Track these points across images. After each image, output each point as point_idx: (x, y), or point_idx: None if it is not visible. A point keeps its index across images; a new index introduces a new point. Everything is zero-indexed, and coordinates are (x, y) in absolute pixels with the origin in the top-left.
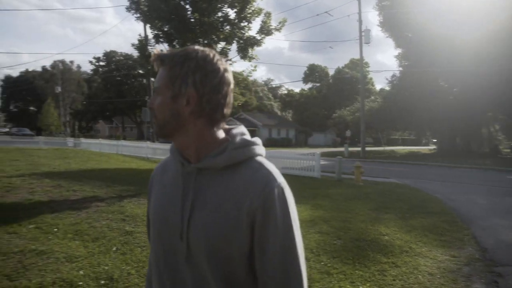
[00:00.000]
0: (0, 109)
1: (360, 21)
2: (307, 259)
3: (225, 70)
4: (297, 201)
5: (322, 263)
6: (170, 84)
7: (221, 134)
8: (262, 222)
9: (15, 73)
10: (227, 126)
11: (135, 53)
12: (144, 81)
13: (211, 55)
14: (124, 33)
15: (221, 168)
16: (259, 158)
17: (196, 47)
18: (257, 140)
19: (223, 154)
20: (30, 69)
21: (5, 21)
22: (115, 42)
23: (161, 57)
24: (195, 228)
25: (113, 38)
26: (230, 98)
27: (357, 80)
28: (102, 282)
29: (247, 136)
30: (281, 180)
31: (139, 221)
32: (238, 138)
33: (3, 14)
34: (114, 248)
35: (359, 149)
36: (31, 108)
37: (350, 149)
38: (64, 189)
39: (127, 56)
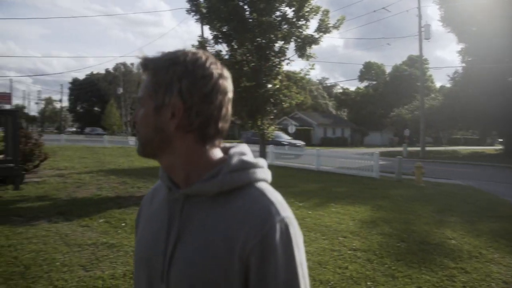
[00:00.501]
0: (68, 110)
1: (419, 16)
2: (370, 260)
3: (220, 75)
4: (356, 202)
5: (386, 265)
6: (153, 93)
7: (216, 153)
8: (258, 269)
9: (81, 75)
10: (227, 145)
11: None
12: None
13: (203, 58)
14: (180, 35)
15: (213, 195)
16: (261, 184)
17: (187, 49)
18: (260, 161)
19: (215, 179)
20: (94, 72)
21: (73, 27)
22: (172, 44)
23: (145, 61)
24: (177, 269)
25: (171, 40)
26: (227, 110)
27: (416, 78)
28: None
29: (248, 157)
30: (287, 213)
31: None
32: (235, 159)
33: (72, 22)
34: None
35: (418, 148)
36: (96, 108)
37: (409, 148)
38: (129, 185)
39: None
